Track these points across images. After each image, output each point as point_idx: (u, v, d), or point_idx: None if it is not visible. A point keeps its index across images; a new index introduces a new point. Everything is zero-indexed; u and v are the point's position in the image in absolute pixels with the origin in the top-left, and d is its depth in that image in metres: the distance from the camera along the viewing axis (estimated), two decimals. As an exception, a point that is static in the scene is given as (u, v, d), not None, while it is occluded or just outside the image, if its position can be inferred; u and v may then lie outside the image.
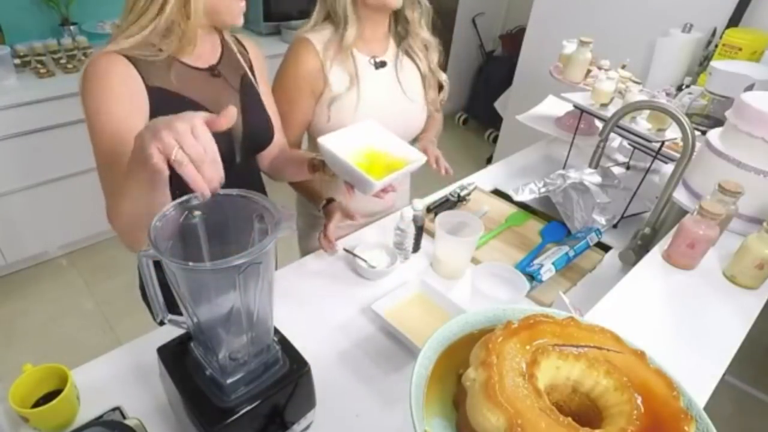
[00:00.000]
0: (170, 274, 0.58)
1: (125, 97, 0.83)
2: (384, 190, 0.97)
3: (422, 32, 1.22)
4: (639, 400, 0.49)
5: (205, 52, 0.95)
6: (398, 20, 1.22)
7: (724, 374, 0.85)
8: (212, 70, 0.96)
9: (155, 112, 0.85)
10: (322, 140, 0.95)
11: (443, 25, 1.23)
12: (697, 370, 0.84)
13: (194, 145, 0.57)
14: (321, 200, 1.19)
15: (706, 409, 0.55)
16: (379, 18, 1.17)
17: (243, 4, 0.91)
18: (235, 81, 1.00)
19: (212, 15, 0.89)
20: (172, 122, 0.57)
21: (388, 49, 1.23)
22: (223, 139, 0.92)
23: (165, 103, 0.86)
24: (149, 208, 0.61)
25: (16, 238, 2.24)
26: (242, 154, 1.02)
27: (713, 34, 2.08)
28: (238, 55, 1.02)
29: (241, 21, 0.92)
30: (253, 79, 1.05)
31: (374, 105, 1.18)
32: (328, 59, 1.13)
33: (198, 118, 0.58)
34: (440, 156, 1.26)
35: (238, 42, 1.05)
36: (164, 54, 0.86)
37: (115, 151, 0.81)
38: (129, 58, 0.84)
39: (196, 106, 0.89)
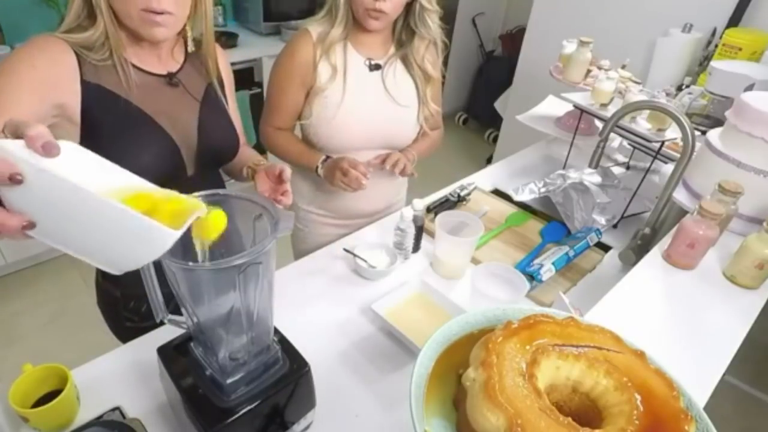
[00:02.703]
0: (170, 274, 0.58)
1: (39, 80, 0.77)
2: None
3: (427, 66, 1.22)
4: (639, 400, 0.49)
5: (163, 57, 0.91)
6: (402, 29, 1.21)
7: (724, 374, 0.85)
8: (170, 78, 0.91)
9: (88, 108, 0.81)
10: None
11: (443, 25, 1.23)
12: (697, 370, 0.84)
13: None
14: (317, 160, 1.19)
15: (706, 409, 0.55)
16: None
17: (155, 17, 0.79)
18: (198, 91, 0.95)
19: (121, 19, 0.81)
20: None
21: (387, 54, 1.22)
22: (169, 151, 0.90)
23: (101, 102, 0.82)
24: None
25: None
26: (196, 167, 0.95)
27: (713, 34, 2.09)
28: (209, 63, 0.96)
29: (154, 34, 0.81)
30: (219, 91, 1.00)
31: (359, 104, 1.18)
32: (320, 51, 1.14)
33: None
34: (400, 160, 1.22)
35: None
36: (106, 49, 0.82)
37: None
38: (75, 51, 0.80)
39: (136, 111, 0.85)
